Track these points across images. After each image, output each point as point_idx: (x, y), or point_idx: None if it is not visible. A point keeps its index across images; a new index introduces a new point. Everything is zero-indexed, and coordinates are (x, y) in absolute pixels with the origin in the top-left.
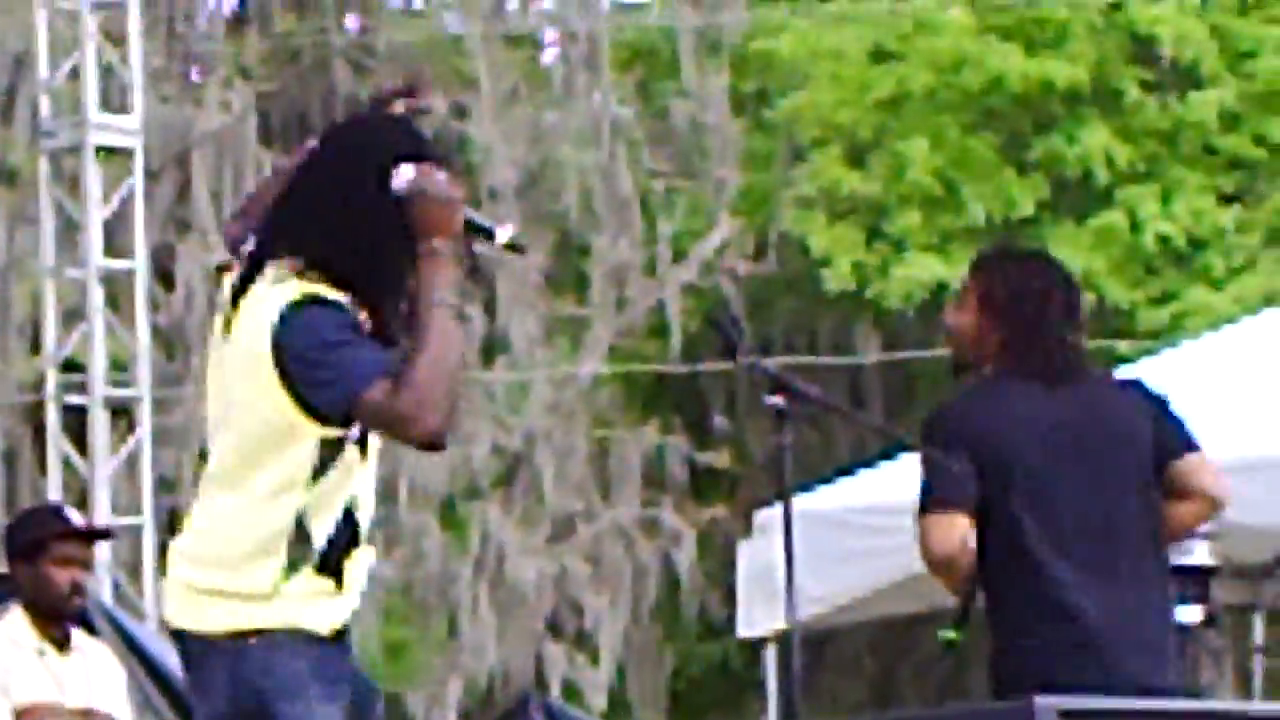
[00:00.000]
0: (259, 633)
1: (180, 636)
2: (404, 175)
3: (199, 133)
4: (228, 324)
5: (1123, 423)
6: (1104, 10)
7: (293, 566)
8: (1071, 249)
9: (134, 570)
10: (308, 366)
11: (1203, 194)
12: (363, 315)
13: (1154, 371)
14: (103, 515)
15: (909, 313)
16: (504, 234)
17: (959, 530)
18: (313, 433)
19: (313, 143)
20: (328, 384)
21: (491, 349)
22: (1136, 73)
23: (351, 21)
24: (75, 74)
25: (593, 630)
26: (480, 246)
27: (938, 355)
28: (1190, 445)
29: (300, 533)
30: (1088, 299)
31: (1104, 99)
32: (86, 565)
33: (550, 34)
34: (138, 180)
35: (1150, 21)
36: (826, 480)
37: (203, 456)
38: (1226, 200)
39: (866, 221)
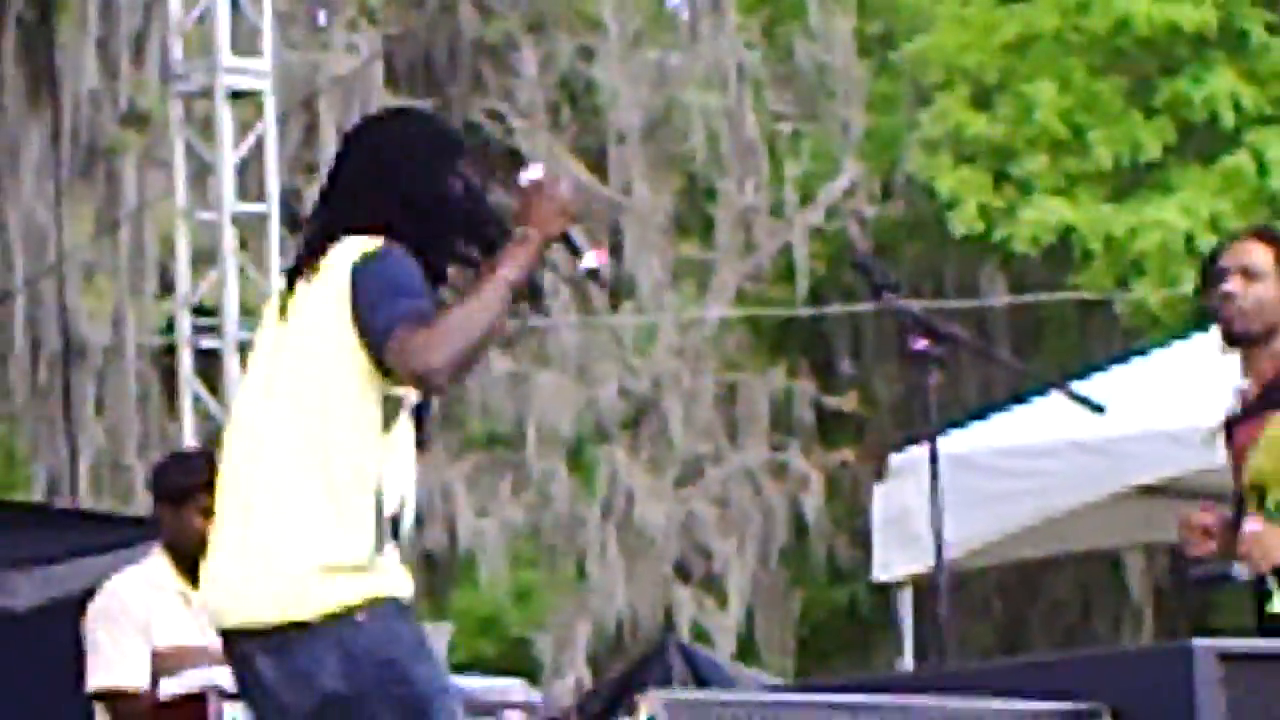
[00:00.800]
0: (370, 604)
1: (246, 635)
2: (536, 171)
3: (326, 77)
4: (283, 309)
5: None
6: None
7: (380, 537)
8: (1198, 192)
9: None
10: (370, 298)
11: None
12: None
13: None
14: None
15: (1035, 256)
16: (590, 259)
17: None
18: (377, 386)
19: (352, 134)
20: (377, 313)
21: (618, 293)
22: (1263, 15)
23: None
24: (205, 17)
25: (721, 574)
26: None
27: (1065, 298)
28: None
29: (379, 503)
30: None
31: (1230, 41)
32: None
33: None
34: (269, 124)
35: None
36: (957, 424)
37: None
38: None
39: (993, 164)
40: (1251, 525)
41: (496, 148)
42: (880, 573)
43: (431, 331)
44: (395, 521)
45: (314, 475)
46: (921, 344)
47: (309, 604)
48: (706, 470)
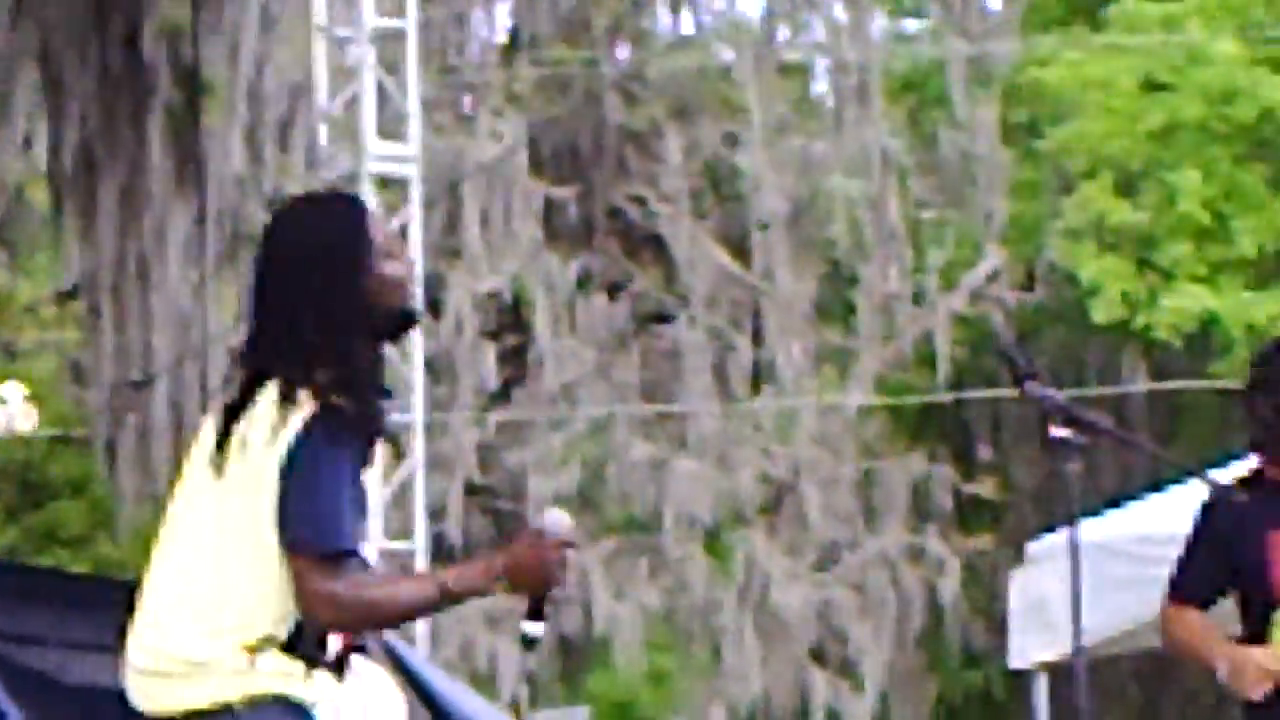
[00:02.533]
0: (250, 701)
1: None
2: (557, 522)
3: (471, 162)
4: (219, 467)
5: None
6: None
7: (263, 644)
8: None
9: None
10: (292, 504)
11: None
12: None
13: None
14: (375, 539)
15: (1177, 343)
16: (536, 628)
17: None
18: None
19: (268, 235)
20: (294, 523)
21: (759, 378)
22: None
23: (622, 50)
24: (353, 103)
25: (856, 658)
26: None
27: (1206, 387)
28: None
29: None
30: None
31: None
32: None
33: (821, 63)
34: (415, 209)
35: None
36: (1094, 512)
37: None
38: None
39: (1135, 252)
40: None
41: (640, 233)
42: (1016, 659)
43: (343, 594)
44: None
45: (223, 602)
46: (1063, 432)
47: (182, 700)
48: (844, 555)
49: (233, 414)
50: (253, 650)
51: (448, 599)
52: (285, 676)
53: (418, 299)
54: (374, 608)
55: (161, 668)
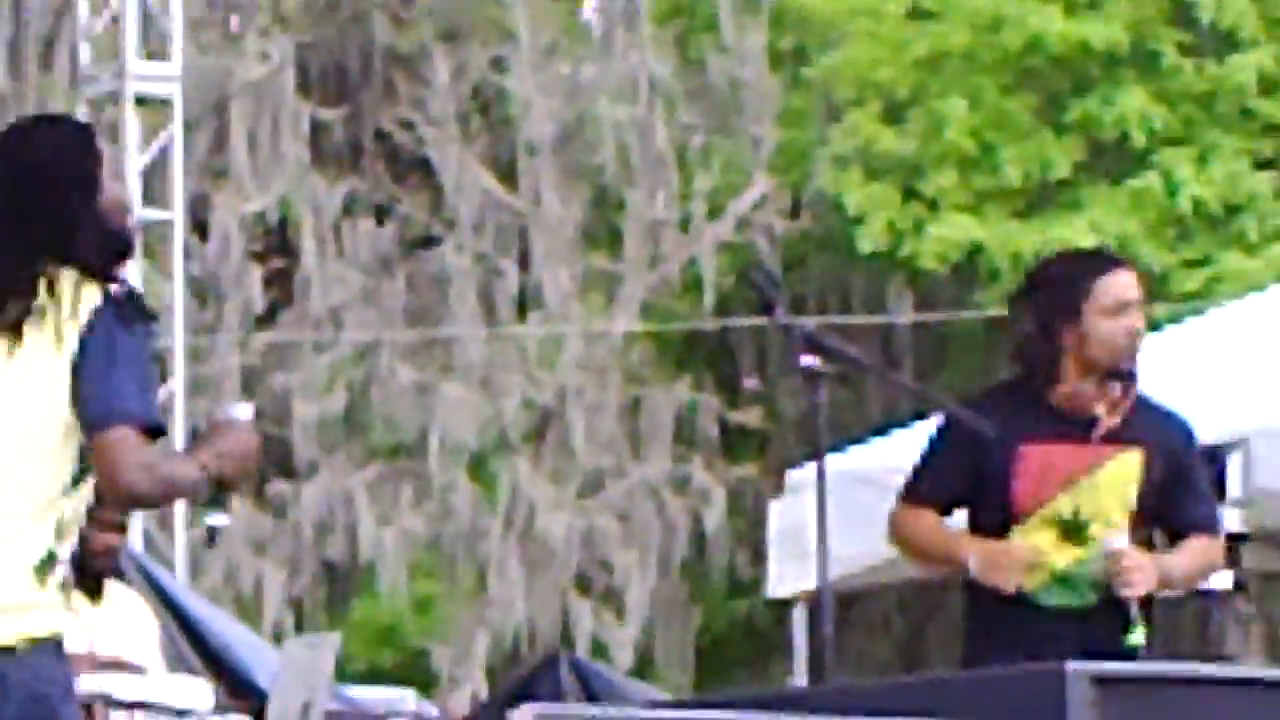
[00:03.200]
0: (31, 641)
1: None
2: (244, 411)
3: (238, 83)
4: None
5: None
6: None
7: (43, 572)
8: (1106, 211)
9: (164, 521)
10: (91, 370)
11: (1239, 158)
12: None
13: (1186, 336)
14: None
15: (943, 273)
16: (220, 518)
17: None
18: (76, 442)
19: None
20: (111, 390)
21: (524, 303)
22: (1175, 35)
23: None
24: (115, 21)
25: (621, 587)
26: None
27: (972, 316)
28: None
29: (51, 550)
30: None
31: (1142, 61)
32: (124, 529)
33: None
34: (177, 130)
35: None
36: (859, 440)
37: None
38: (1262, 165)
39: (902, 181)
40: (1120, 542)
41: (407, 156)
42: (776, 588)
43: (158, 465)
44: (72, 564)
45: (13, 513)
46: (810, 360)
47: None
48: (608, 483)
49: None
50: (41, 575)
51: (209, 478)
52: (62, 610)
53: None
54: (173, 484)
55: None
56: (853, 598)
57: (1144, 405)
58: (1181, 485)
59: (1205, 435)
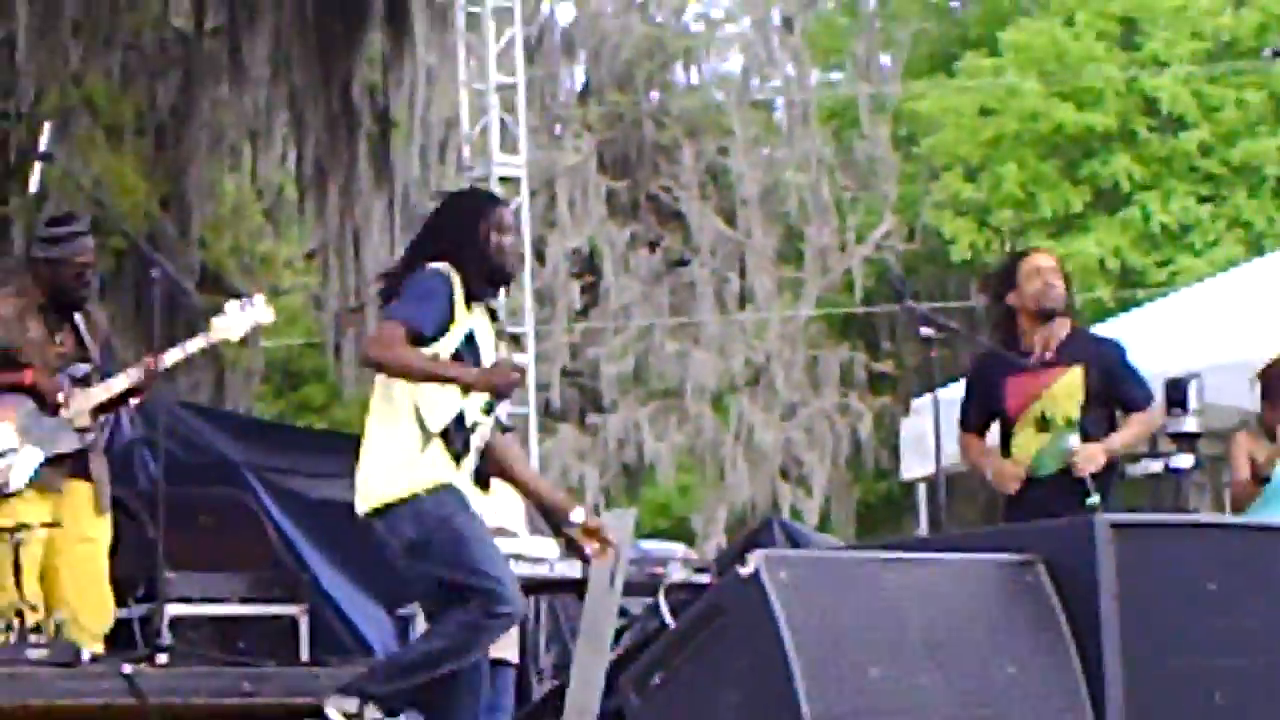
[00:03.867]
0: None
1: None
2: (520, 360)
3: (560, 166)
4: None
5: None
6: (1126, 81)
7: (424, 444)
8: (1106, 233)
9: (523, 437)
10: (400, 294)
11: (1188, 197)
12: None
13: (1159, 311)
14: (504, 406)
15: None
16: (504, 408)
17: None
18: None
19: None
20: (396, 303)
21: (744, 299)
22: (1146, 120)
23: (654, 95)
24: (484, 130)
25: (808, 475)
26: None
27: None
28: None
29: (416, 424)
30: (1115, 264)
31: (1126, 137)
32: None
33: (779, 101)
34: (524, 196)
35: (1155, 88)
36: (955, 379)
37: None
38: (1202, 200)
39: (977, 217)
40: (1073, 441)
41: (668, 209)
42: (905, 474)
43: (393, 341)
44: (447, 434)
45: (383, 405)
46: (927, 330)
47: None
48: (799, 411)
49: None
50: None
51: (451, 378)
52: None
53: (518, 265)
54: (405, 369)
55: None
56: (953, 479)
57: (1085, 336)
58: (1118, 381)
59: (1173, 369)
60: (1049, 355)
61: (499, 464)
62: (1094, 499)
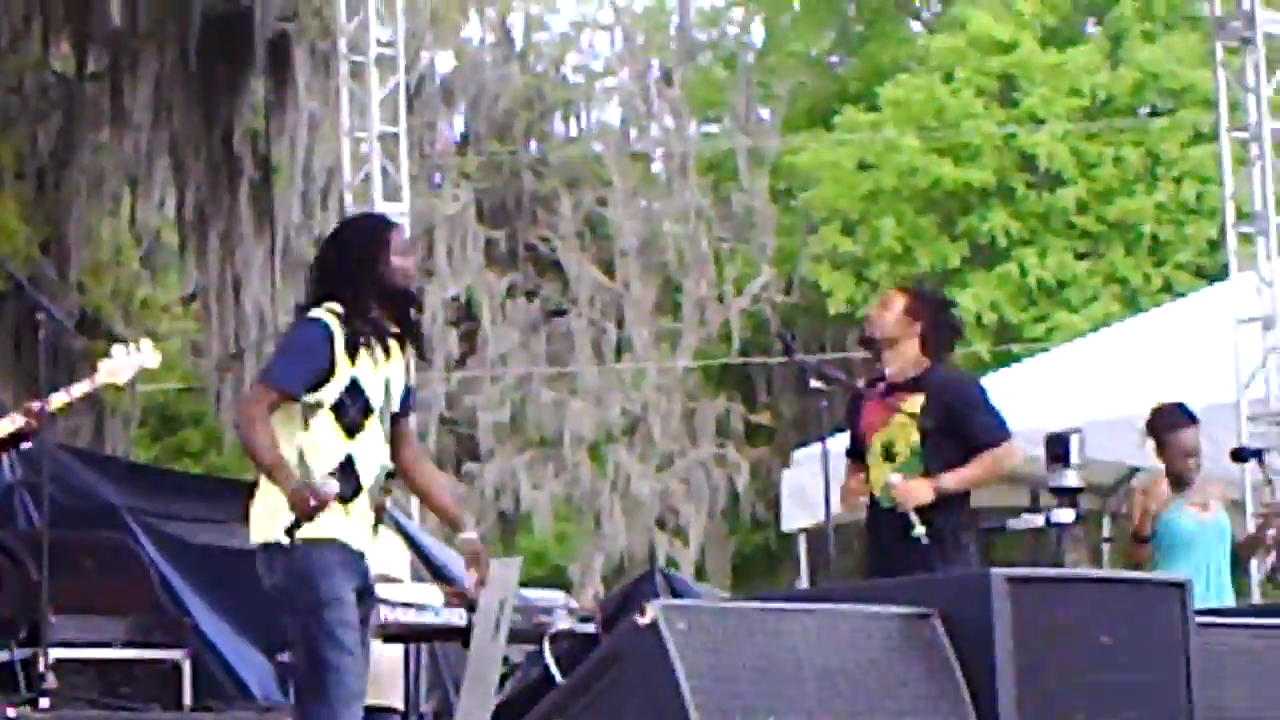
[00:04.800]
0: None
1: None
2: (329, 485)
3: (439, 215)
4: None
5: None
6: (1004, 137)
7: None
8: (983, 288)
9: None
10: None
11: (1065, 252)
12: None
13: (1036, 367)
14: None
15: None
16: (293, 532)
17: None
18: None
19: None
20: (268, 361)
21: (620, 349)
22: (1024, 176)
23: (533, 145)
24: (367, 178)
25: (685, 525)
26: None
27: None
28: None
29: (301, 467)
30: (993, 319)
31: (1004, 193)
32: (387, 491)
33: (658, 152)
34: None
35: (1033, 145)
36: (841, 430)
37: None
38: (1080, 256)
39: (855, 270)
40: (894, 477)
41: (546, 259)
42: (787, 525)
43: (254, 411)
44: (332, 476)
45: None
46: (817, 383)
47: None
48: (676, 461)
49: None
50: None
51: (273, 476)
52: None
53: (418, 289)
54: (250, 447)
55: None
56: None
57: (935, 373)
58: (963, 417)
59: (1054, 425)
60: (898, 382)
61: (409, 471)
62: (918, 531)
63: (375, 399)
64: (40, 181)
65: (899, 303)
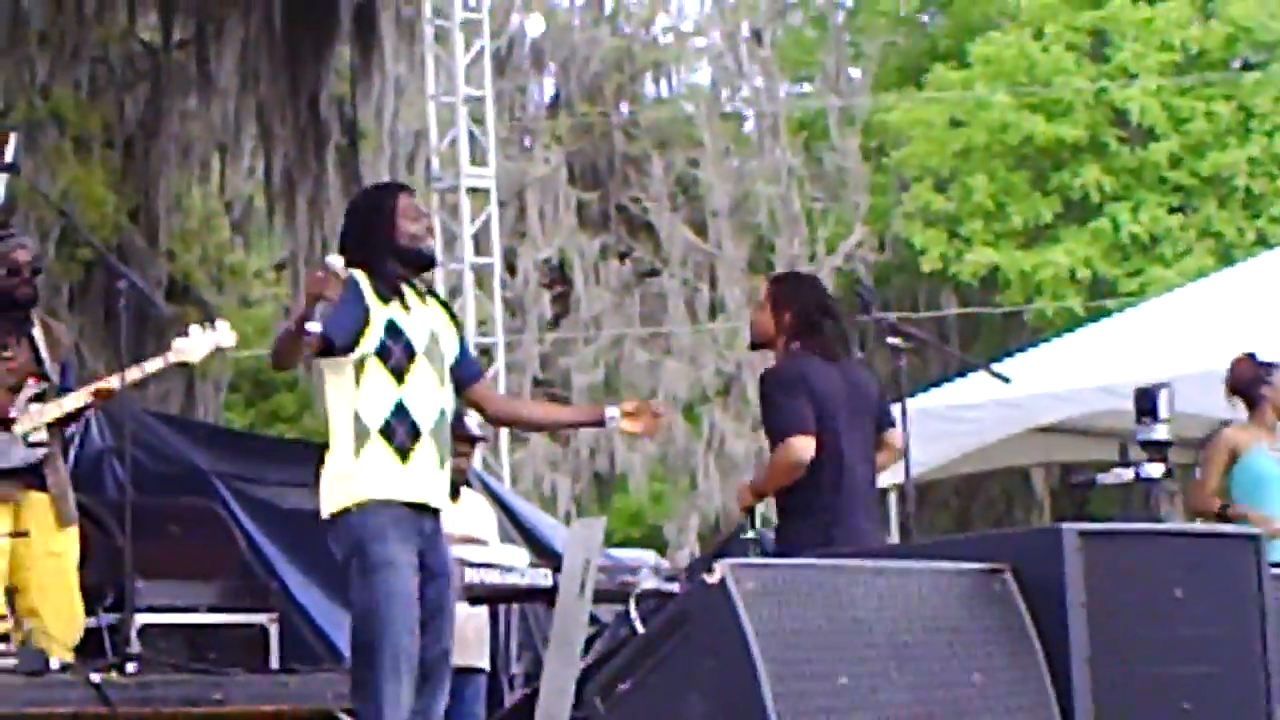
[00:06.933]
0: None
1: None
2: (336, 261)
3: (530, 177)
4: None
5: (871, 392)
6: (1095, 93)
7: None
8: (1076, 243)
9: (495, 449)
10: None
11: (1159, 208)
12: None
13: (1130, 320)
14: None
15: (976, 284)
16: (315, 326)
17: (812, 448)
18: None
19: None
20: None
21: (714, 309)
22: (1115, 131)
23: (624, 107)
24: (453, 142)
25: None
26: None
27: (993, 311)
28: (894, 420)
29: (357, 425)
30: (1086, 275)
31: (1096, 148)
32: (469, 455)
33: (749, 112)
34: (494, 208)
35: (1124, 99)
36: (924, 389)
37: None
38: (1173, 211)
39: (948, 227)
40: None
41: (638, 220)
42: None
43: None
44: (388, 428)
45: (331, 413)
46: (894, 340)
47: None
48: None
49: None
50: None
51: (297, 316)
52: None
53: (432, 248)
54: (278, 337)
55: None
56: (924, 487)
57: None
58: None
59: (1145, 378)
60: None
61: (511, 416)
62: (749, 533)
63: (418, 341)
64: (128, 150)
65: (766, 298)
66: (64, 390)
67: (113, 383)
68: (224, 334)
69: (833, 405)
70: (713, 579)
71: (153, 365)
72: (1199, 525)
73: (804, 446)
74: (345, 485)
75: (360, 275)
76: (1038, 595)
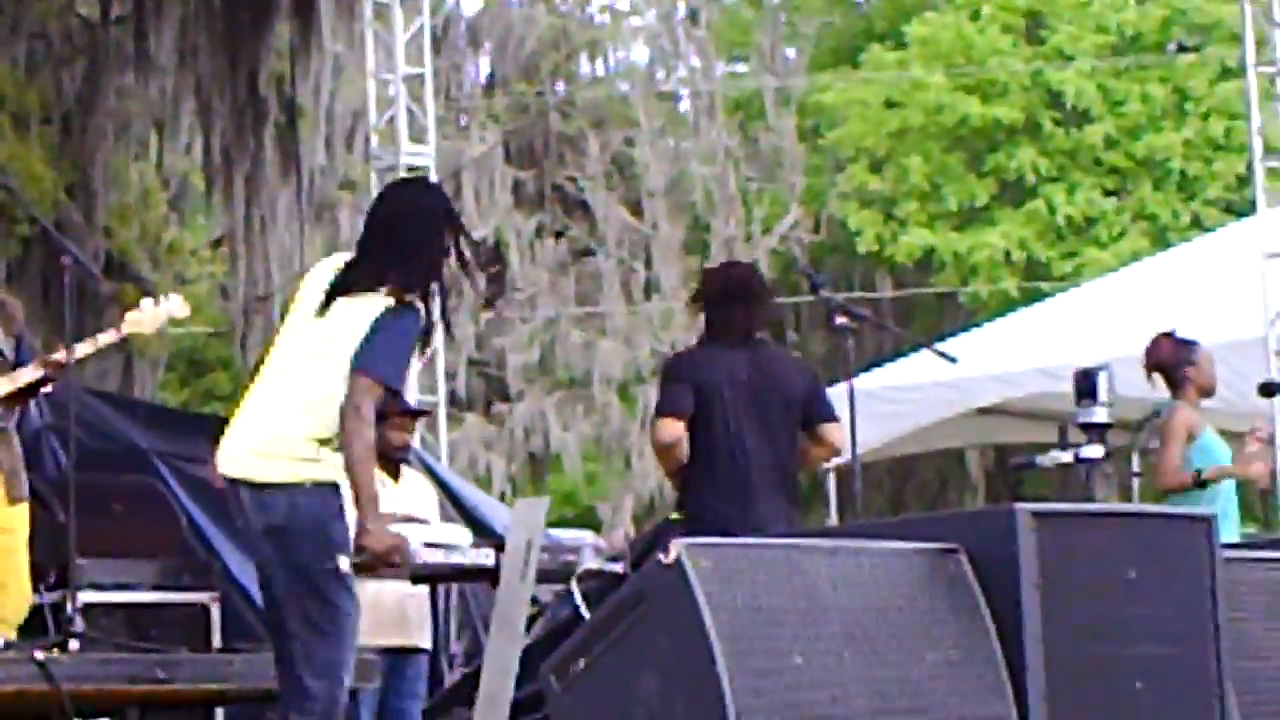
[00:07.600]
0: (315, 483)
1: (241, 482)
2: (419, 552)
3: (467, 157)
4: (325, 306)
5: (786, 379)
6: (1031, 74)
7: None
8: (1011, 225)
9: (431, 427)
10: (375, 337)
11: (1094, 189)
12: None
13: (1065, 303)
14: (412, 393)
15: (911, 265)
16: (344, 562)
17: (678, 431)
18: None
19: (381, 202)
20: (370, 350)
21: (648, 289)
22: (1051, 113)
23: (560, 86)
24: (391, 120)
25: None
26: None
27: (928, 292)
28: (834, 415)
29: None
30: (1021, 256)
31: (1031, 130)
32: (410, 431)
33: (685, 92)
34: None
35: (1060, 81)
36: (865, 369)
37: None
38: (1108, 193)
39: (883, 208)
40: None
41: (574, 199)
42: None
43: (365, 414)
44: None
45: (307, 405)
46: (842, 320)
47: (277, 472)
48: None
49: (335, 289)
50: (321, 444)
51: (362, 515)
52: (338, 469)
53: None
54: (352, 460)
55: (260, 447)
56: (862, 469)
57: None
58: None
59: (1082, 361)
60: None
61: None
62: (674, 516)
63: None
64: (66, 126)
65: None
66: (19, 365)
67: (65, 356)
68: (176, 305)
69: (729, 390)
70: (668, 558)
71: (104, 338)
72: (1151, 506)
73: (664, 428)
74: (307, 466)
75: (418, 309)
76: (991, 575)
